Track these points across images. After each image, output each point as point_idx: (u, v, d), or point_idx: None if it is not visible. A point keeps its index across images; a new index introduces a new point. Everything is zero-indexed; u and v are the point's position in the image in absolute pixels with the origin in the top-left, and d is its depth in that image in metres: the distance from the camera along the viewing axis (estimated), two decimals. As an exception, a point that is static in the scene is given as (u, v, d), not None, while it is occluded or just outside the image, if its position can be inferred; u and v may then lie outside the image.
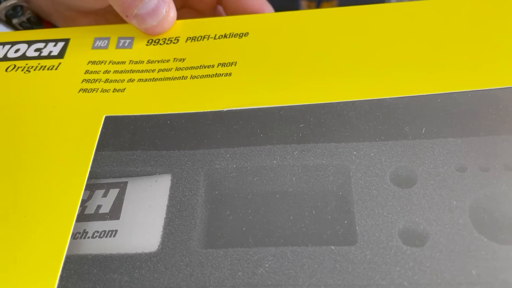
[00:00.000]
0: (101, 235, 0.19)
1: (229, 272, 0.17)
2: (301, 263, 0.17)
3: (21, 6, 0.29)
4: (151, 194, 0.20)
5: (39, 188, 0.20)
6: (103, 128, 0.22)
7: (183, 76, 0.23)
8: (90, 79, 0.24)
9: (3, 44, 0.26)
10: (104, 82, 0.23)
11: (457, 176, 0.18)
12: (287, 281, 0.17)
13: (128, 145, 0.21)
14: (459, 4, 0.23)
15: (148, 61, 0.24)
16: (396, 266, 0.16)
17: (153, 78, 0.23)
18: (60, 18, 0.30)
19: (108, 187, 0.20)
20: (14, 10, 0.29)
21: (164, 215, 0.19)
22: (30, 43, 0.26)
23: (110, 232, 0.19)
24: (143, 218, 0.19)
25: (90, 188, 0.20)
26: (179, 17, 0.25)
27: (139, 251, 0.18)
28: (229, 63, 0.23)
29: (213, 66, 0.23)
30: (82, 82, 0.23)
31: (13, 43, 0.26)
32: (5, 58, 0.25)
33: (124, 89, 0.23)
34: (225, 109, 0.21)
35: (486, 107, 0.20)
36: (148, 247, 0.18)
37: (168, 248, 0.18)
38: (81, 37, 0.25)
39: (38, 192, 0.20)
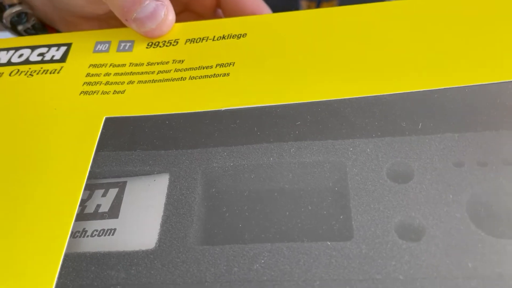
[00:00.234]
0: (100, 234, 0.19)
1: (225, 268, 0.17)
2: (297, 259, 0.17)
3: (26, 13, 0.29)
4: (149, 193, 0.20)
5: (40, 187, 0.20)
6: (103, 129, 0.22)
7: (182, 77, 0.23)
8: (91, 82, 0.24)
9: (7, 49, 0.26)
10: (105, 85, 0.24)
11: (455, 171, 0.18)
12: (283, 277, 0.17)
13: (127, 145, 0.21)
14: (456, 0, 0.23)
15: (148, 63, 0.24)
16: (392, 261, 0.16)
17: (153, 80, 0.23)
18: (64, 24, 0.30)
19: (107, 186, 0.20)
20: (19, 17, 0.29)
21: (162, 213, 0.19)
22: (33, 48, 0.26)
23: (109, 231, 0.19)
24: (142, 217, 0.19)
25: (90, 188, 0.20)
26: (181, 20, 0.26)
27: (137, 248, 0.18)
28: (227, 63, 0.23)
29: (211, 66, 0.23)
30: (83, 85, 0.24)
31: (16, 49, 0.26)
32: (9, 63, 0.26)
33: (124, 90, 0.23)
34: (222, 109, 0.21)
35: (483, 102, 0.20)
36: (145, 244, 0.18)
37: (165, 245, 0.18)
38: (82, 42, 0.26)
39: (39, 191, 0.20)
